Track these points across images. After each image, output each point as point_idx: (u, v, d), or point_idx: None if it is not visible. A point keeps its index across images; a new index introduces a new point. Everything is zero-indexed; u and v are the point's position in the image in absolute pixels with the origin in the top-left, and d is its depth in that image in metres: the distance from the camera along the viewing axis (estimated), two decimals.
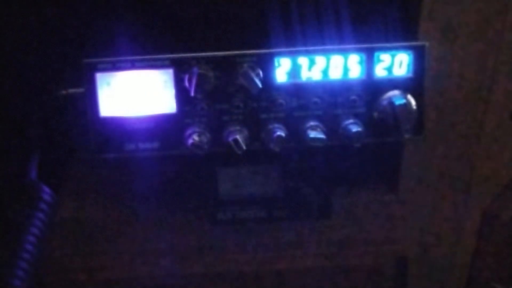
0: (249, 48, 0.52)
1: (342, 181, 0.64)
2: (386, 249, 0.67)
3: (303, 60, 0.53)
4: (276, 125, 0.54)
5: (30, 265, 0.41)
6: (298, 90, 0.53)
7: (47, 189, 0.48)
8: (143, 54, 0.52)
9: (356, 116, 0.54)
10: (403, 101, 0.53)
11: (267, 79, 0.52)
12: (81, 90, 0.53)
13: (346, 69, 0.53)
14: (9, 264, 0.40)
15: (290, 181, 0.61)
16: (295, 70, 0.53)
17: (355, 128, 0.53)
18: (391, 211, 0.65)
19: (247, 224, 0.61)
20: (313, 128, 0.53)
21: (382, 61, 0.53)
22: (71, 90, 0.55)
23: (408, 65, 0.53)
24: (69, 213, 0.61)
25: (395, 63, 0.53)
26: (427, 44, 0.53)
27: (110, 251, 0.65)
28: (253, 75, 0.51)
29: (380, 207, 0.65)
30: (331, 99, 0.54)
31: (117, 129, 0.53)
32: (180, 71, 0.52)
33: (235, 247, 0.65)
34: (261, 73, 0.52)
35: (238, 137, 0.52)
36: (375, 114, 0.54)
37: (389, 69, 0.53)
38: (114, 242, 0.64)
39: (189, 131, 0.53)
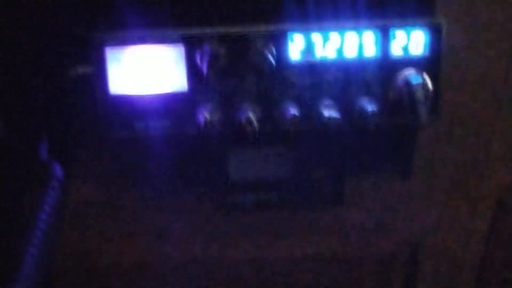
0: (261, 22, 0.51)
1: (355, 167, 0.63)
2: (398, 236, 0.66)
3: (316, 37, 0.51)
4: (289, 104, 0.52)
5: (41, 251, 0.39)
6: (312, 69, 0.52)
7: (59, 168, 0.46)
8: (152, 28, 0.51)
9: (371, 95, 0.53)
10: (420, 80, 0.52)
11: (281, 58, 0.51)
12: (90, 68, 0.52)
13: (361, 48, 0.52)
14: (20, 249, 0.39)
15: (302, 165, 0.60)
16: (309, 48, 0.52)
17: (370, 108, 0.52)
18: (403, 198, 0.64)
19: (257, 208, 0.60)
20: (327, 107, 0.52)
21: (397, 38, 0.52)
22: (80, 69, 0.53)
23: (425, 43, 0.52)
24: (73, 196, 0.60)
25: (411, 41, 0.52)
26: (443, 21, 0.52)
27: (115, 234, 0.64)
28: (267, 53, 0.50)
29: (392, 194, 0.64)
30: (346, 78, 0.53)
31: (127, 107, 0.52)
32: (192, 48, 0.51)
33: (243, 232, 0.64)
34: (274, 51, 0.51)
35: (250, 115, 0.51)
36: (391, 93, 0.53)
37: (405, 48, 0.52)
38: (119, 225, 0.63)
39: (200, 110, 0.52)
